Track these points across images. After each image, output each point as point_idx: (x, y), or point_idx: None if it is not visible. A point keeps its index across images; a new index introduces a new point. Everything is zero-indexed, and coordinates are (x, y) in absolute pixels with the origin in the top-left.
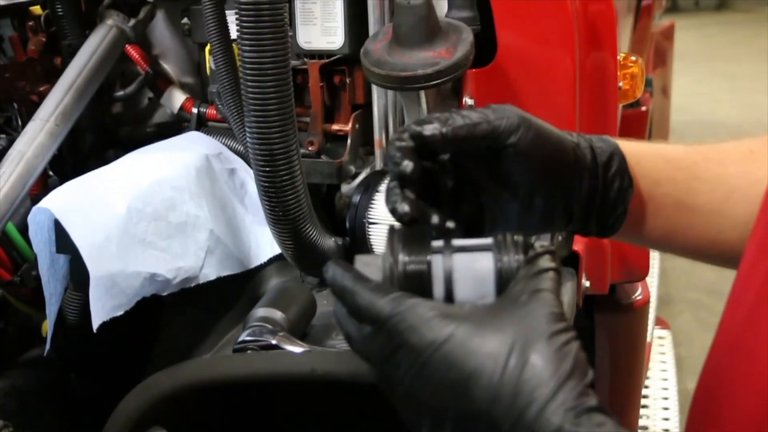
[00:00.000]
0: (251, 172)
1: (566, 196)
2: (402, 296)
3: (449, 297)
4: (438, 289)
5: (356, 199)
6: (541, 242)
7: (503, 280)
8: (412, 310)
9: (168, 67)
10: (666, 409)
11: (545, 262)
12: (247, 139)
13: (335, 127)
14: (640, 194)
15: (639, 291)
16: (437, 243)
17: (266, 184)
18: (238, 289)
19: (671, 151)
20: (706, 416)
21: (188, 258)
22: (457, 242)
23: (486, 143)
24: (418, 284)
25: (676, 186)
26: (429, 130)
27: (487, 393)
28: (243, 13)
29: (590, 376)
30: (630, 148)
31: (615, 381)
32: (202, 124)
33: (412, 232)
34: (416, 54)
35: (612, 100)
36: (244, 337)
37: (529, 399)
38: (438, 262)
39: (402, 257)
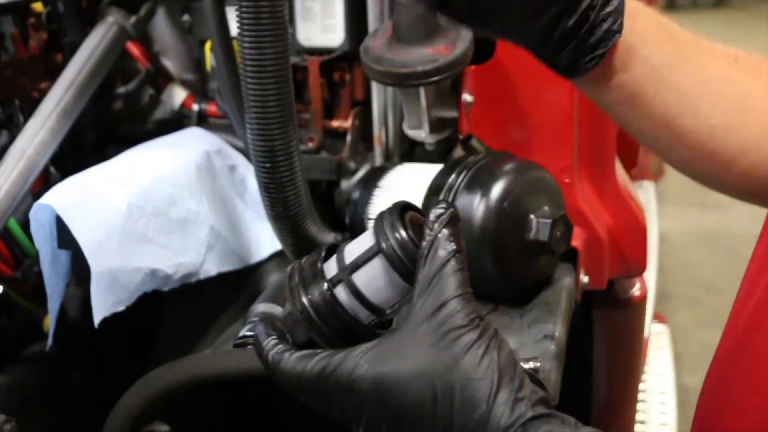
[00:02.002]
0: (251, 168)
1: (554, 13)
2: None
3: (372, 309)
4: (359, 312)
5: (356, 195)
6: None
7: (406, 270)
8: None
9: (169, 63)
10: (663, 404)
11: (441, 247)
12: (248, 135)
13: (335, 123)
14: (620, 47)
15: (637, 286)
16: (330, 268)
17: (266, 180)
18: (238, 285)
19: (670, 24)
20: (713, 417)
21: (189, 254)
22: (348, 257)
23: None
24: (336, 314)
25: (659, 54)
26: None
27: None
28: (243, 9)
29: (520, 374)
30: (633, 2)
31: (612, 376)
32: (202, 121)
33: (305, 266)
34: (415, 51)
35: None
36: (244, 332)
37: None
38: (342, 293)
39: (304, 300)
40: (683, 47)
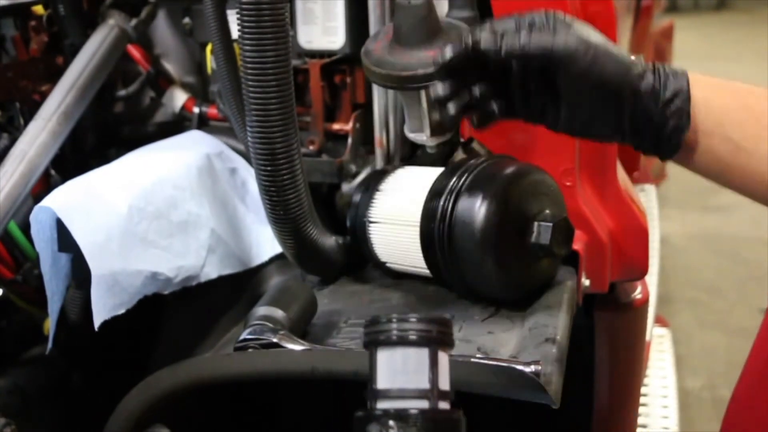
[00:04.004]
0: (252, 171)
1: (614, 122)
2: None
3: None
4: None
5: (357, 198)
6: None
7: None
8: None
9: (169, 66)
10: (665, 407)
11: None
12: (248, 138)
13: (336, 126)
14: (698, 131)
15: (638, 289)
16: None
17: (267, 183)
18: (239, 288)
19: (744, 92)
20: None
21: (189, 257)
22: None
23: (540, 64)
24: None
25: (741, 130)
26: (485, 43)
27: None
28: (244, 12)
29: None
30: (703, 84)
31: (614, 379)
32: (203, 124)
33: None
34: (417, 54)
35: None
36: (245, 335)
37: None
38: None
39: None
40: (764, 115)
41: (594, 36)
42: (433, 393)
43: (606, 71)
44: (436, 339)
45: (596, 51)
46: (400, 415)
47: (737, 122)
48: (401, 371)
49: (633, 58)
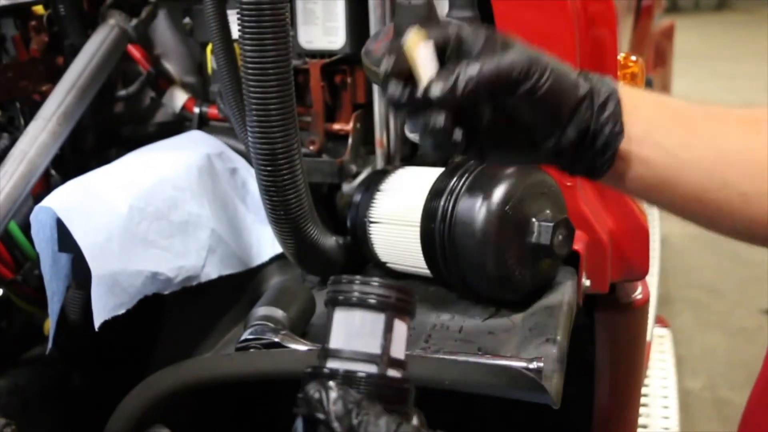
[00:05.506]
0: (253, 171)
1: (558, 134)
2: None
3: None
4: None
5: (357, 198)
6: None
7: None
8: None
9: (170, 66)
10: (666, 408)
11: None
12: (249, 138)
13: (336, 126)
14: (631, 140)
15: (639, 290)
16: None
17: (268, 184)
18: (239, 288)
19: (671, 104)
20: None
21: (190, 257)
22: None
23: (496, 91)
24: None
25: (670, 136)
26: (436, 91)
27: None
28: (245, 12)
29: None
30: (630, 93)
31: (615, 380)
32: (203, 124)
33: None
34: None
35: None
36: (246, 335)
37: None
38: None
39: None
40: (694, 123)
41: (533, 49)
42: (383, 359)
43: (556, 84)
44: (395, 306)
45: (545, 64)
46: (346, 377)
47: (666, 129)
48: (356, 334)
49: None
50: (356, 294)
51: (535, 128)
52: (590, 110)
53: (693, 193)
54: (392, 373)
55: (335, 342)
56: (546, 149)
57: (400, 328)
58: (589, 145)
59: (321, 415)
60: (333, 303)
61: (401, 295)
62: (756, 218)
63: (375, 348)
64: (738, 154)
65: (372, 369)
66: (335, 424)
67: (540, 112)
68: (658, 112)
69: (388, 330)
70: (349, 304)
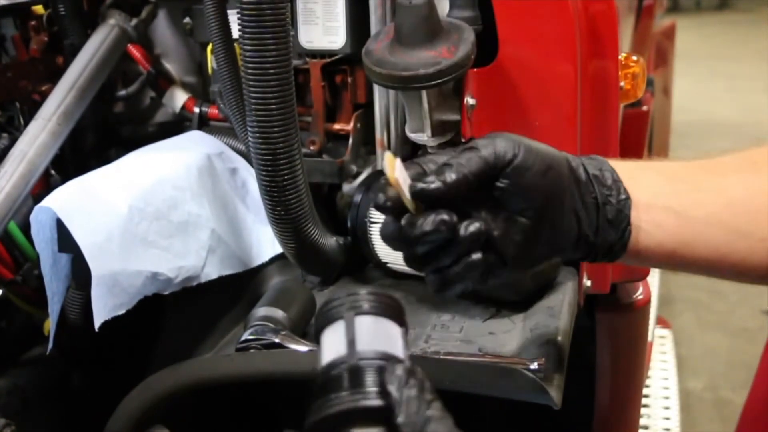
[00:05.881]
0: (253, 171)
1: (571, 218)
2: None
3: None
4: None
5: (357, 198)
6: None
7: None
8: None
9: (170, 66)
10: (667, 408)
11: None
12: (249, 138)
13: (337, 126)
14: (640, 207)
15: (640, 290)
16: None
17: (268, 184)
18: (239, 289)
19: (666, 166)
20: None
21: (190, 257)
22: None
23: (484, 176)
24: None
25: (677, 197)
26: (431, 188)
27: None
28: (245, 12)
29: None
30: (623, 165)
31: (616, 380)
32: (203, 124)
33: None
34: (418, 53)
35: (613, 100)
36: (246, 336)
37: None
38: None
39: None
40: (694, 181)
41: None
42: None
43: (546, 157)
44: (404, 321)
45: (526, 144)
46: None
47: (670, 192)
48: (382, 339)
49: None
50: (376, 303)
51: (546, 214)
52: (591, 184)
53: (715, 250)
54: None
55: (364, 345)
56: (566, 235)
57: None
58: (602, 221)
59: (396, 395)
60: (353, 311)
61: (403, 312)
62: None
63: (400, 354)
64: (746, 200)
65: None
66: (402, 410)
67: (541, 191)
68: (657, 177)
69: (405, 341)
70: (371, 312)
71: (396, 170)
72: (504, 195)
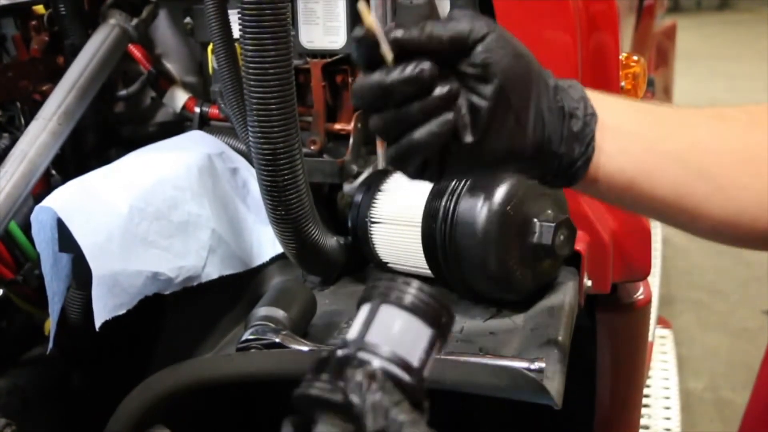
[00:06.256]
0: (253, 171)
1: (537, 116)
2: None
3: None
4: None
5: (358, 198)
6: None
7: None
8: None
9: (170, 66)
10: (667, 408)
11: None
12: (250, 138)
13: (337, 126)
14: (605, 129)
15: (640, 290)
16: None
17: (268, 184)
18: (240, 288)
19: (635, 100)
20: None
21: (190, 257)
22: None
23: (457, 44)
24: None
25: (641, 126)
26: (412, 35)
27: None
28: (245, 12)
29: None
30: (590, 91)
31: (616, 381)
32: (204, 124)
33: None
34: None
35: None
36: (247, 335)
37: None
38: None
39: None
40: (663, 117)
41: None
42: (418, 372)
43: (516, 51)
44: (444, 326)
45: (502, 29)
46: (390, 377)
47: (638, 121)
48: (398, 337)
49: None
50: (413, 299)
51: (511, 100)
52: (558, 92)
53: (673, 188)
54: (419, 389)
55: (374, 336)
56: (529, 133)
57: (437, 350)
58: (568, 130)
59: (357, 401)
60: (383, 298)
61: (450, 320)
62: (734, 213)
63: (414, 359)
64: (710, 143)
65: (405, 377)
66: (369, 417)
67: (508, 72)
68: (626, 106)
69: (431, 347)
70: (401, 305)
71: (372, 15)
72: (473, 69)
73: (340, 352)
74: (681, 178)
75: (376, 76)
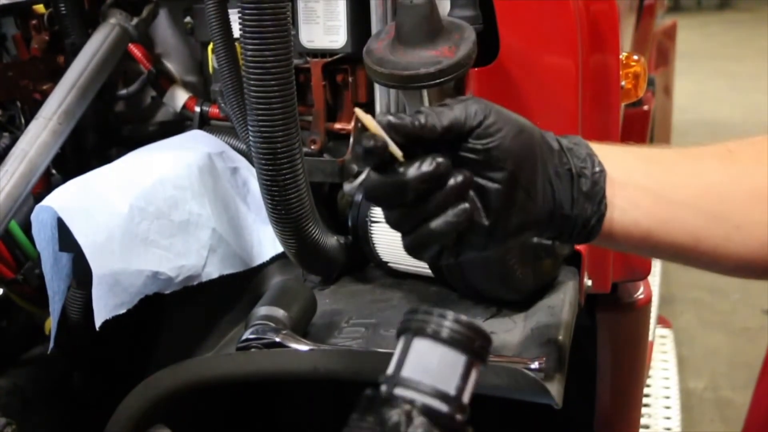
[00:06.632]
0: (254, 170)
1: (546, 186)
2: None
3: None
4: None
5: (358, 197)
6: None
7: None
8: None
9: (171, 65)
10: (668, 408)
11: None
12: (250, 137)
13: (338, 125)
14: (614, 184)
15: (641, 290)
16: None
17: (269, 183)
18: (240, 288)
19: (641, 149)
20: None
21: (191, 256)
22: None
23: (454, 131)
24: None
25: (650, 178)
26: (411, 123)
27: None
28: (246, 11)
29: None
30: (594, 144)
31: (617, 380)
32: (204, 123)
33: None
34: (419, 53)
35: (614, 100)
36: (247, 335)
37: None
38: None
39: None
40: (669, 164)
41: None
42: (457, 401)
43: (517, 125)
44: (479, 351)
45: (497, 108)
46: (425, 410)
47: (644, 172)
48: (434, 369)
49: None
50: (446, 330)
51: (520, 179)
52: (564, 154)
53: (691, 234)
54: (459, 417)
55: (409, 371)
56: (541, 204)
57: (475, 374)
58: (578, 192)
59: None
60: (416, 332)
61: (485, 343)
62: (755, 250)
63: (451, 388)
64: (722, 186)
65: (443, 408)
66: None
67: (513, 154)
68: (632, 157)
69: (467, 373)
70: (434, 337)
71: (373, 120)
72: (476, 156)
73: (377, 391)
74: (697, 224)
75: (391, 177)
